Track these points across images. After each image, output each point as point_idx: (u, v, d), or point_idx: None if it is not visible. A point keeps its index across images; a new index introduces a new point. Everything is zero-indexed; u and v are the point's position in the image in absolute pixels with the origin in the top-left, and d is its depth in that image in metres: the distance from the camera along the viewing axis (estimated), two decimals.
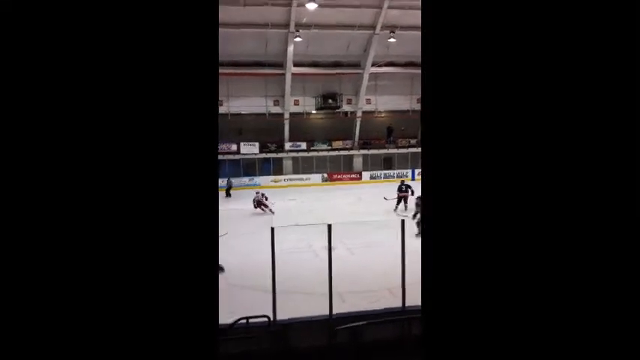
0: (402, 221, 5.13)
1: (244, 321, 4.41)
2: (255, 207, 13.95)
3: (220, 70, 19.85)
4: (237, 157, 21.22)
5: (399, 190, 13.46)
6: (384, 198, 13.55)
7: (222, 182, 17.37)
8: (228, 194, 17.72)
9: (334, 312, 4.70)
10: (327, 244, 4.83)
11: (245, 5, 18.11)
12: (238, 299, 6.43)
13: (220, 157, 20.88)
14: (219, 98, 21.16)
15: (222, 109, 21.41)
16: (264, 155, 21.74)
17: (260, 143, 21.59)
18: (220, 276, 7.40)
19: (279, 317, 4.55)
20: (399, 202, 13.24)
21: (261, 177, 21.14)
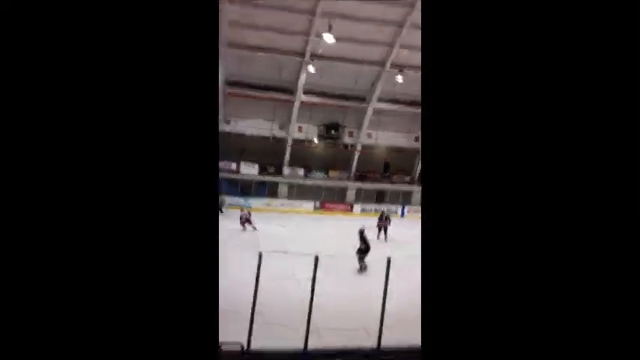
0: (388, 260, 5.13)
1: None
2: (242, 224, 14.79)
3: (230, 90, 20.54)
4: (235, 176, 21.28)
5: (380, 219, 14.97)
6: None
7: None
8: (220, 211, 17.78)
9: (309, 347, 4.66)
10: (312, 274, 4.79)
11: (265, 30, 18.56)
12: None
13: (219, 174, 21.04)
14: (228, 118, 21.53)
15: (227, 128, 21.69)
16: (261, 178, 21.81)
17: (260, 165, 21.71)
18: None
19: (253, 346, 4.51)
20: (379, 232, 14.50)
21: (255, 199, 21.15)
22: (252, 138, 22.06)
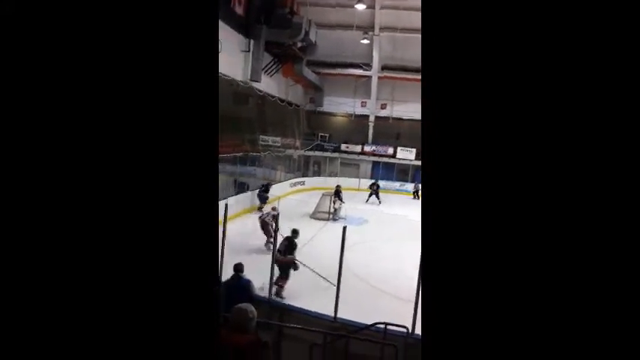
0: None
1: (382, 325, 4.49)
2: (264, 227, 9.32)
3: (386, 74, 20.62)
4: (392, 160, 21.42)
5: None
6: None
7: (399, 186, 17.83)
8: (416, 196, 18.89)
9: None
10: None
11: (418, 10, 18.15)
12: (378, 303, 6.56)
13: (376, 159, 21.44)
14: (384, 102, 21.73)
15: (384, 113, 21.92)
16: (419, 162, 21.46)
17: (417, 150, 21.42)
18: (361, 278, 7.63)
19: (417, 330, 4.50)
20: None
21: (412, 184, 20.96)
22: (408, 122, 21.84)
